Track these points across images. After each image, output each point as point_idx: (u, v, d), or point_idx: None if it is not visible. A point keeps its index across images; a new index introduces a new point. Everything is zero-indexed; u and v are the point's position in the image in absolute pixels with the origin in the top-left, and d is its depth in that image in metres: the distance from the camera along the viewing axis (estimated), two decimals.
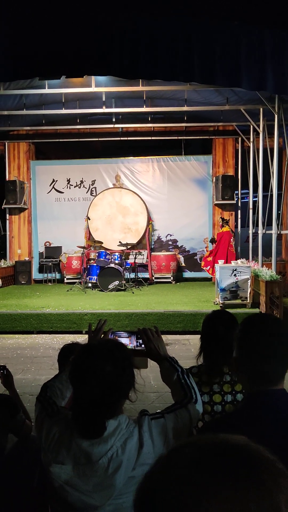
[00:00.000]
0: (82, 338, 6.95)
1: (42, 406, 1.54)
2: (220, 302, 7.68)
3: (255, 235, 10.00)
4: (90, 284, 10.20)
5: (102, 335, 1.78)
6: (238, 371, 1.37)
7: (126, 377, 1.38)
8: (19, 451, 2.37)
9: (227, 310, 2.59)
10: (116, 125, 11.05)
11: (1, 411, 2.20)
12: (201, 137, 12.28)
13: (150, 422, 1.39)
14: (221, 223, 10.42)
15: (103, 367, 1.34)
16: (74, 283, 10.59)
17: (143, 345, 1.74)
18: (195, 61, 5.88)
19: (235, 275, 7.64)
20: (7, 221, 12.34)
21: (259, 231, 9.08)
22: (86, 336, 6.54)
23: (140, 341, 1.81)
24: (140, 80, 8.02)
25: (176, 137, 11.93)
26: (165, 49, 5.74)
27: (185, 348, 6.28)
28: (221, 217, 10.76)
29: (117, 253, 10.39)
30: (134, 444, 1.34)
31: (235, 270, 7.68)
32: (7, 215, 12.30)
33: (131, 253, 10.77)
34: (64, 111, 9.65)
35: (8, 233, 12.38)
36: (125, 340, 1.81)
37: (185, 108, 9.60)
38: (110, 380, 1.34)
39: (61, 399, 1.63)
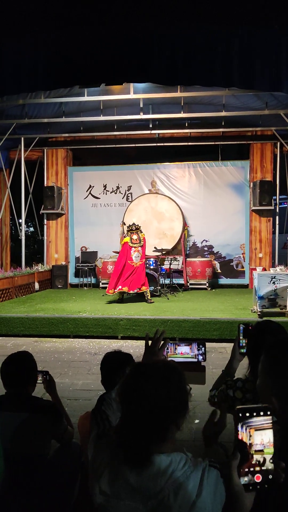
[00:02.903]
0: (118, 344, 6.97)
1: (95, 421, 1.47)
2: (258, 310, 7.52)
3: None
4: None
5: (160, 345, 1.68)
6: (263, 394, 1.35)
7: (178, 403, 1.28)
8: (61, 457, 2.37)
9: (270, 319, 2.52)
10: (153, 131, 11.10)
11: (45, 418, 2.21)
12: (238, 142, 12.17)
13: (219, 479, 1.20)
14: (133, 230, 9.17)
15: (155, 390, 1.24)
16: None
17: (202, 357, 1.66)
18: (234, 66, 5.81)
19: (273, 282, 7.47)
20: (45, 226, 12.60)
21: None
22: (122, 341, 6.51)
23: (203, 350, 1.72)
24: (178, 86, 8.02)
25: (213, 142, 11.85)
26: (204, 54, 5.70)
27: (221, 357, 6.16)
28: (133, 224, 9.39)
29: (152, 259, 10.38)
30: (189, 492, 1.18)
31: (274, 277, 7.51)
32: (45, 220, 12.56)
33: (166, 259, 10.74)
34: (102, 118, 9.78)
35: (45, 238, 12.65)
36: (185, 349, 1.73)
37: (222, 114, 9.52)
38: (161, 405, 1.23)
39: (117, 412, 1.57)
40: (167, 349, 1.78)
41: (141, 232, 9.33)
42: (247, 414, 1.07)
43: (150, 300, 9.05)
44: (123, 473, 1.25)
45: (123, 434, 1.26)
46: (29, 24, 5.35)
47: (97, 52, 5.60)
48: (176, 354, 1.78)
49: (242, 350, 2.10)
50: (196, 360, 1.76)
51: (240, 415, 1.07)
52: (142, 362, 1.51)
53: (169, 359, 1.76)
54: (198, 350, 1.75)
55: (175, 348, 1.78)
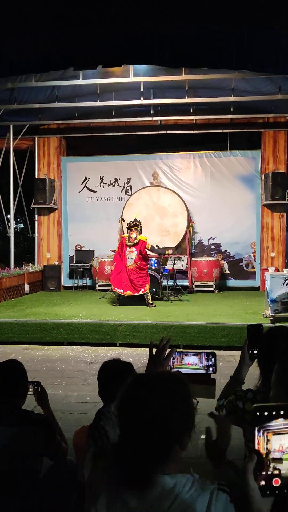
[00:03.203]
0: (116, 352, 6.98)
1: (93, 438, 1.48)
2: (270, 314, 7.53)
3: None
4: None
5: (166, 354, 1.67)
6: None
7: (184, 418, 1.27)
8: (54, 476, 2.38)
9: (283, 325, 2.53)
10: (155, 118, 11.09)
11: (36, 432, 2.22)
12: (249, 130, 12.16)
13: (228, 505, 1.19)
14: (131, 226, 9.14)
15: (158, 402, 1.24)
16: (106, 290, 10.66)
17: (212, 368, 1.65)
18: (245, 47, 5.84)
19: (287, 284, 7.48)
20: (36, 222, 12.61)
21: None
22: (120, 349, 6.52)
23: (213, 361, 1.72)
24: (183, 68, 8.02)
25: (221, 130, 11.85)
26: (212, 34, 5.72)
27: (230, 366, 6.16)
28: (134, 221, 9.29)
29: (153, 258, 10.39)
30: None
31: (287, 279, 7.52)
32: (36, 215, 12.57)
33: (169, 258, 10.73)
34: (98, 103, 9.79)
35: (36, 235, 12.65)
36: (193, 359, 1.73)
37: (231, 98, 9.52)
38: (164, 417, 1.23)
39: (117, 427, 1.57)
40: (173, 359, 1.78)
41: (139, 232, 9.20)
42: (266, 413, 1.06)
43: (152, 303, 9.07)
44: (122, 495, 1.24)
45: (122, 452, 1.26)
46: (29, 24, 5.45)
47: (94, 32, 5.63)
48: (183, 364, 1.79)
49: (253, 352, 2.11)
50: (205, 371, 1.76)
51: (258, 414, 1.06)
52: (146, 372, 1.51)
53: (175, 370, 1.76)
54: (208, 360, 1.75)
55: (182, 358, 1.79)
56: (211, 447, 1.41)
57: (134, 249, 9.05)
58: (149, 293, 9.16)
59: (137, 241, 9.07)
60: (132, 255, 9.04)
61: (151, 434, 1.22)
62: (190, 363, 1.78)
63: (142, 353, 6.81)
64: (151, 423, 1.23)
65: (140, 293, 9.04)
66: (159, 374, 1.40)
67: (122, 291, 9.07)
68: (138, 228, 9.18)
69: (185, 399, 1.30)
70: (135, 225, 9.17)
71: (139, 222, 9.28)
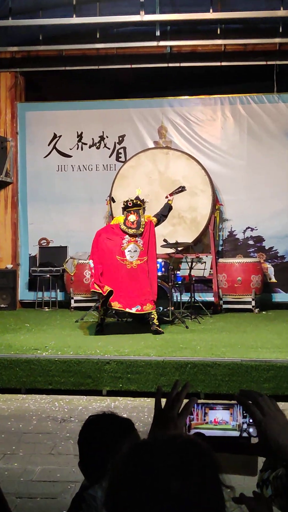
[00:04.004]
0: (103, 404, 7.00)
1: None
2: None
3: None
4: (114, 311, 10.23)
5: (181, 408, 1.65)
6: None
7: (209, 508, 1.23)
8: None
9: None
10: (162, 43, 11.11)
11: None
12: None
13: None
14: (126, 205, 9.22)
15: (170, 483, 1.21)
16: (88, 308, 10.68)
17: (252, 429, 1.65)
18: None
19: None
20: None
21: None
22: (109, 399, 6.55)
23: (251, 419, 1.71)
24: None
25: (264, 62, 11.85)
26: None
27: None
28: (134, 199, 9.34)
29: (160, 259, 10.40)
30: None
31: None
32: None
33: (184, 260, 10.76)
34: (75, 19, 9.81)
35: None
36: (222, 414, 1.72)
37: (280, 13, 9.55)
38: (180, 508, 1.20)
39: None
40: (192, 414, 1.79)
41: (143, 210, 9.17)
42: None
43: (159, 329, 9.07)
44: None
45: None
46: None
47: None
48: (207, 423, 1.79)
49: None
50: (239, 433, 1.77)
51: None
52: (150, 436, 1.51)
53: (194, 431, 1.77)
54: (245, 417, 1.75)
55: (206, 413, 1.78)
56: None
57: (139, 239, 9.02)
58: (155, 313, 9.12)
59: (141, 230, 9.07)
60: (133, 246, 9.00)
61: None
62: (218, 420, 1.77)
63: (143, 406, 6.83)
64: None
65: (145, 311, 8.97)
66: (171, 439, 1.36)
67: (121, 305, 8.93)
68: (140, 211, 9.15)
69: (211, 480, 1.28)
70: (135, 205, 9.14)
71: (143, 201, 9.24)
